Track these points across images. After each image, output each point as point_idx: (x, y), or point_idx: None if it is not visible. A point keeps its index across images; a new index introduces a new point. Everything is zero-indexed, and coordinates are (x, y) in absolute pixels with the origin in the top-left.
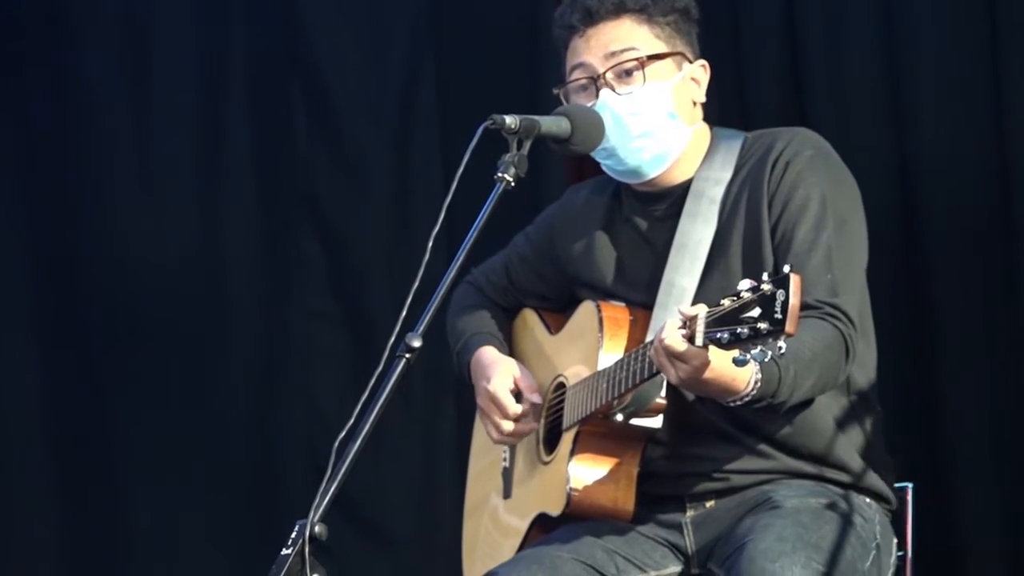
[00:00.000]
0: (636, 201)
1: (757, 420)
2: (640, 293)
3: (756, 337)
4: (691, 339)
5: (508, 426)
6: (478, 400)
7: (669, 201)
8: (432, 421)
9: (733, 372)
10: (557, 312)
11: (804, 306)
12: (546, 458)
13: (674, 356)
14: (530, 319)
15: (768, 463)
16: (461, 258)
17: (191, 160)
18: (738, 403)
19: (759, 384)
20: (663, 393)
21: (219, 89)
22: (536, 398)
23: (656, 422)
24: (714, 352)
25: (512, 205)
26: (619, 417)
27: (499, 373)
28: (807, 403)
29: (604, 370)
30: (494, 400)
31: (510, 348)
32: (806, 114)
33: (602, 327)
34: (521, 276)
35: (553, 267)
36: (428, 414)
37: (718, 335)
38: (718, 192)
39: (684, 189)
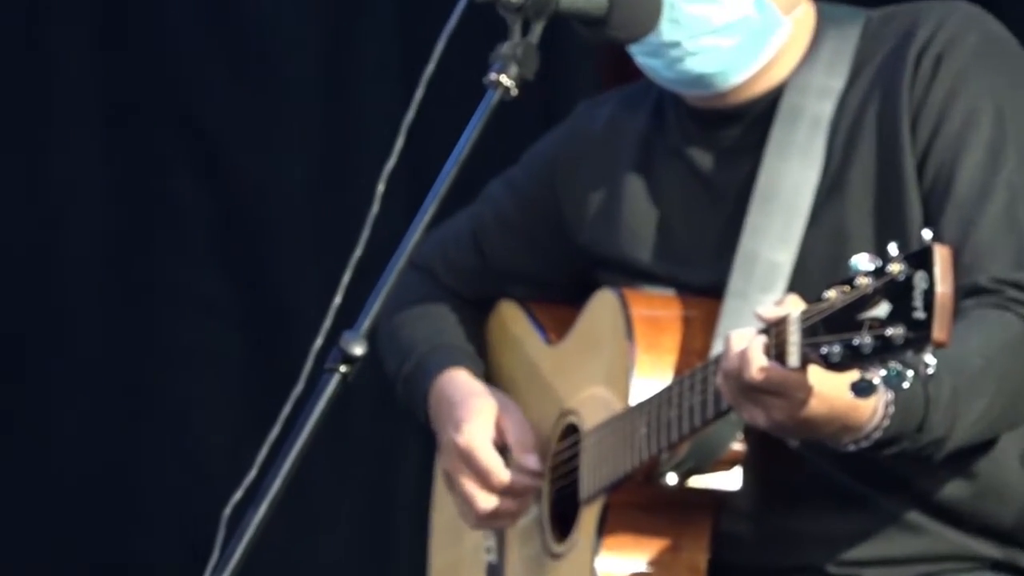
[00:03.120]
0: (692, 123)
1: (900, 469)
2: (701, 271)
3: (886, 351)
4: (780, 357)
5: (490, 503)
6: (441, 459)
7: (746, 123)
8: (383, 474)
9: (851, 403)
10: (557, 306)
11: (974, 289)
12: (557, 548)
13: (753, 388)
14: (513, 318)
15: (923, 544)
16: (430, 213)
17: (4, 65)
18: (862, 446)
19: (892, 413)
20: (740, 435)
21: None
22: (532, 461)
23: (731, 481)
24: (819, 375)
25: (515, 127)
26: (671, 479)
27: (475, 415)
28: (986, 445)
29: (641, 405)
30: (469, 460)
31: (484, 367)
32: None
33: (632, 332)
34: (500, 249)
35: (554, 232)
36: (377, 463)
37: (824, 350)
38: (825, 109)
39: (771, 104)
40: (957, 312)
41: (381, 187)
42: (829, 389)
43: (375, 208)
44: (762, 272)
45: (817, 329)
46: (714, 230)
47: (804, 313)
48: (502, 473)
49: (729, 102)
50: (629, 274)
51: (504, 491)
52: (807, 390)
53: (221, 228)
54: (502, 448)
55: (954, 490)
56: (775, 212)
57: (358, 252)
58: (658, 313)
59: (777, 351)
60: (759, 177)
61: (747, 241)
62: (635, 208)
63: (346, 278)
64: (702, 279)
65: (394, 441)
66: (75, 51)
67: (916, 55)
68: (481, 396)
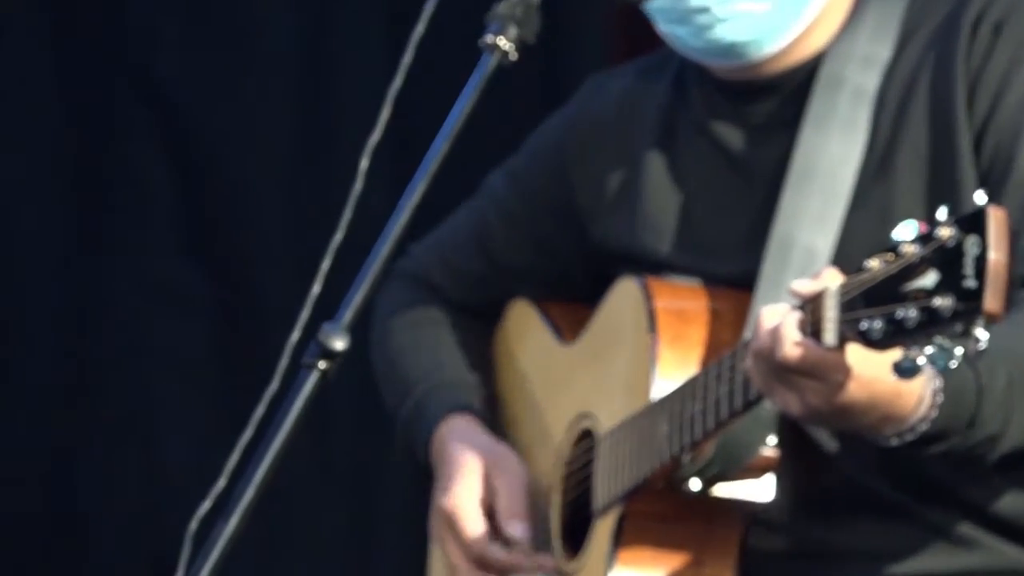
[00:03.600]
0: (719, 97)
1: (947, 476)
2: (730, 261)
3: (932, 324)
4: (816, 335)
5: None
6: (432, 517)
7: (781, 97)
8: (369, 481)
9: (894, 388)
10: (573, 304)
11: None
12: (568, 566)
13: (787, 368)
14: (524, 319)
15: (974, 559)
16: (419, 192)
17: None
18: (906, 440)
19: (941, 403)
20: (773, 438)
21: None
22: (519, 530)
23: (760, 490)
24: (859, 355)
25: (515, 101)
26: (694, 485)
27: (463, 475)
28: None
29: (662, 401)
30: (452, 526)
31: (490, 391)
32: None
33: (654, 324)
34: (506, 248)
35: (565, 225)
36: (362, 469)
37: (864, 324)
38: (869, 80)
39: (808, 75)
40: (1013, 303)
41: (364, 163)
42: (870, 371)
43: (358, 186)
44: (798, 259)
45: (856, 303)
46: (744, 215)
47: (843, 286)
48: (482, 546)
49: (762, 73)
50: (650, 269)
51: (483, 565)
52: (845, 372)
53: (186, 209)
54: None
55: (1012, 502)
56: (813, 193)
57: (339, 236)
58: (684, 304)
59: (813, 328)
60: (795, 155)
61: (781, 226)
62: (655, 194)
63: (326, 264)
64: (732, 270)
65: (380, 444)
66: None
67: (973, 22)
68: (472, 452)
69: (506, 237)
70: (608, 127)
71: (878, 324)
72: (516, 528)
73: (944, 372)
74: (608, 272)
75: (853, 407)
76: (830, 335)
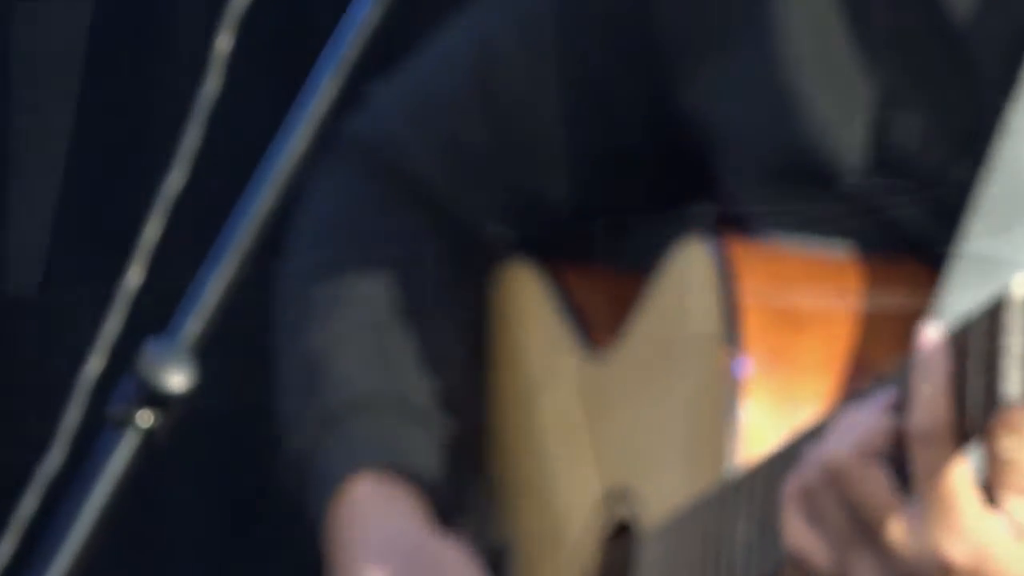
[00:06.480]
0: None
1: None
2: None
3: None
4: (990, 385)
5: None
6: None
7: None
8: None
9: None
10: (613, 274)
11: None
12: None
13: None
14: (529, 304)
15: None
16: (326, 95)
17: None
18: None
19: None
20: None
21: None
22: None
23: None
24: None
25: None
26: None
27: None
28: None
29: (744, 480)
30: None
31: (482, 380)
32: None
33: (735, 329)
34: (527, 102)
35: (636, 71)
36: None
37: None
38: None
39: None
40: None
41: (224, 42)
42: None
43: (210, 87)
44: None
45: None
46: (959, 117)
47: None
48: None
49: None
50: (770, 182)
51: None
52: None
53: None
54: None
55: None
56: None
57: (176, 179)
58: (797, 292)
59: (987, 370)
60: None
61: (1014, 141)
62: (796, 50)
63: (152, 232)
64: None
65: (250, 541)
66: None
67: None
68: (396, 558)
69: (530, 84)
70: None
71: None
72: None
73: None
74: (700, 175)
75: None
76: (1014, 380)
